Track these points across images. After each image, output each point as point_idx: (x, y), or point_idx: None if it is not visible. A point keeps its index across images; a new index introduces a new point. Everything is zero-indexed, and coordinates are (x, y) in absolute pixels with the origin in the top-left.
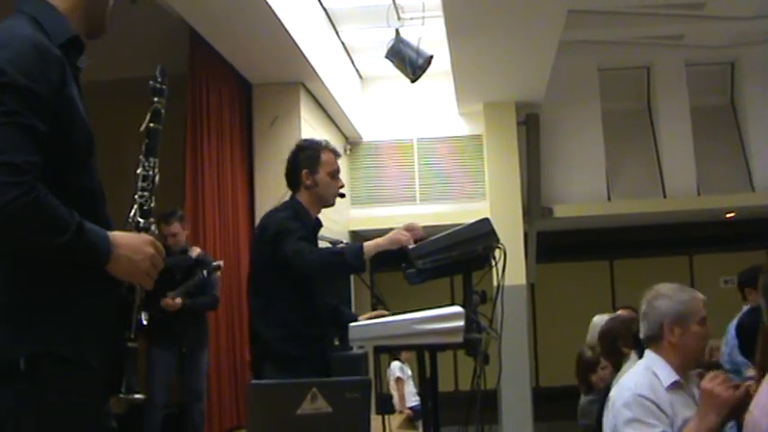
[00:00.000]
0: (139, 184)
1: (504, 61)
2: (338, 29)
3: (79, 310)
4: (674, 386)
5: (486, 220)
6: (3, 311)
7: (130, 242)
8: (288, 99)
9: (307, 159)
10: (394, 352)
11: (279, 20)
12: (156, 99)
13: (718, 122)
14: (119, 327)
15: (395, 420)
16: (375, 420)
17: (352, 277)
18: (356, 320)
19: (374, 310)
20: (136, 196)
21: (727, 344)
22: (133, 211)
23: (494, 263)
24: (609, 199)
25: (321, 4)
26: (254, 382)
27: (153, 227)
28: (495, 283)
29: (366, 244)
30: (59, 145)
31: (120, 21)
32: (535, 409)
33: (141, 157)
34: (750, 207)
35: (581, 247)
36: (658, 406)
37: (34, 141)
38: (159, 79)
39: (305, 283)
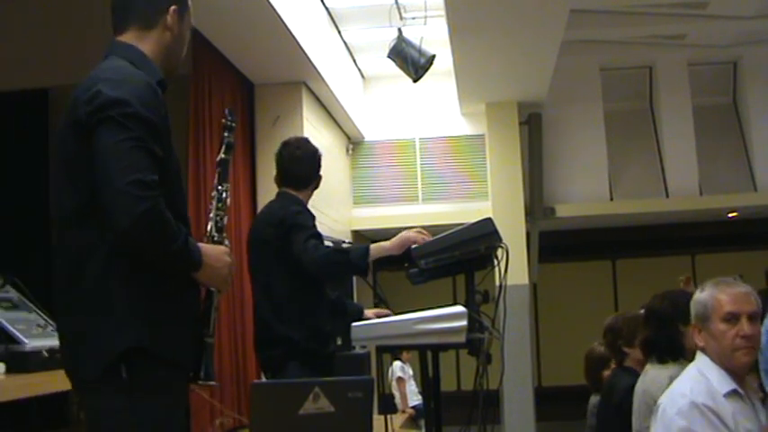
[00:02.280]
0: (214, 204)
1: (506, 61)
2: (340, 28)
3: (176, 311)
4: (732, 394)
5: (489, 219)
6: (107, 308)
7: (213, 252)
8: (290, 99)
9: (318, 164)
10: (395, 352)
11: (281, 20)
12: (226, 134)
13: (721, 122)
14: (201, 325)
15: (397, 420)
16: (377, 420)
17: (354, 276)
18: (362, 312)
19: (377, 308)
20: (211, 215)
21: (763, 348)
22: (209, 227)
23: (496, 262)
24: (611, 199)
25: (323, 3)
26: (255, 381)
27: (226, 240)
28: (497, 283)
29: (372, 246)
30: (165, 170)
31: None
32: (537, 409)
33: (215, 182)
34: (753, 207)
35: (583, 246)
36: (718, 415)
37: (155, 164)
38: (230, 118)
39: (314, 279)
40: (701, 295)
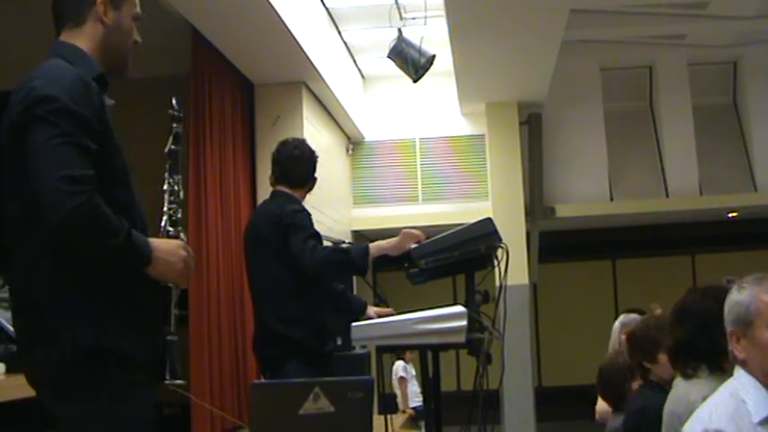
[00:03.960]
0: (167, 197)
1: (506, 61)
2: (340, 28)
3: (132, 308)
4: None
5: (489, 219)
6: (61, 308)
7: (166, 247)
8: (290, 99)
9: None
10: (398, 352)
11: (281, 20)
12: (174, 125)
13: (721, 122)
14: (161, 322)
15: (397, 420)
16: (378, 420)
17: (354, 276)
18: (365, 307)
19: (377, 307)
20: (165, 209)
21: None
22: (163, 221)
23: (496, 262)
24: (611, 199)
25: (323, 3)
26: (255, 381)
27: (182, 234)
28: (497, 283)
29: (372, 246)
30: (103, 165)
31: None
32: (537, 409)
33: (166, 174)
34: (752, 207)
35: (583, 246)
36: None
37: (88, 158)
38: (176, 108)
39: (313, 277)
40: (741, 296)
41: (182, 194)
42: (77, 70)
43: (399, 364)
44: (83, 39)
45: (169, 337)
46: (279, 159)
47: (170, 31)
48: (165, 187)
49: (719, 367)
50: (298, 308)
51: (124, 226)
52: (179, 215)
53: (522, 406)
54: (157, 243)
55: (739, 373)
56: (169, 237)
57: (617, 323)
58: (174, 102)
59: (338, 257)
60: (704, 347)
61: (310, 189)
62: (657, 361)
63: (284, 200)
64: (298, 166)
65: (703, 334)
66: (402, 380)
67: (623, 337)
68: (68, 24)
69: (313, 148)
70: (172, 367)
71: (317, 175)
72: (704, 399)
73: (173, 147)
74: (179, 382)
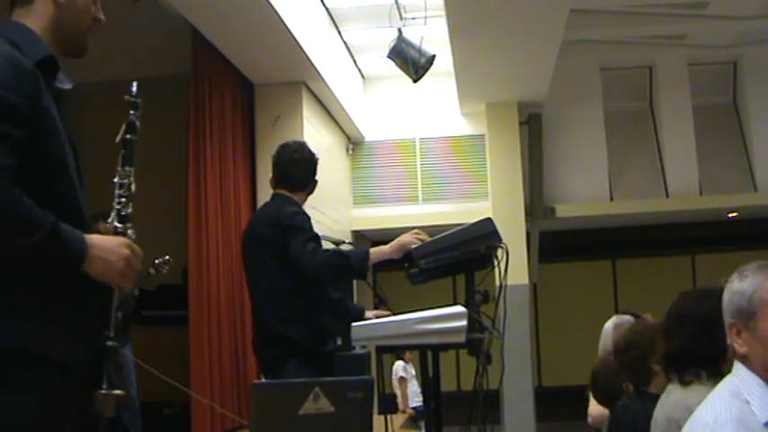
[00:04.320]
0: (117, 191)
1: (506, 61)
2: (340, 28)
3: (59, 308)
4: None
5: (489, 219)
6: None
7: (105, 244)
8: (290, 99)
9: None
10: (398, 352)
11: (281, 20)
12: (131, 112)
13: (721, 122)
14: (100, 326)
15: (397, 420)
16: (377, 420)
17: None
18: (363, 313)
19: (376, 309)
20: (114, 203)
21: None
22: (111, 216)
23: (496, 262)
24: (611, 199)
25: (323, 3)
26: (255, 381)
27: (130, 231)
28: (497, 283)
29: (372, 251)
30: (36, 154)
31: (123, 21)
32: (537, 409)
33: (118, 167)
34: (752, 207)
35: (583, 246)
36: None
37: (8, 147)
38: (135, 94)
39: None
40: (742, 284)
41: (133, 188)
42: (11, 53)
43: (399, 364)
44: (33, 18)
45: (109, 343)
46: (279, 162)
47: (170, 31)
48: (116, 180)
49: (718, 371)
50: (297, 308)
51: (48, 220)
52: (129, 210)
53: (522, 406)
54: (97, 240)
55: (739, 368)
56: (117, 233)
57: (609, 324)
58: (133, 88)
59: (338, 261)
60: (705, 352)
61: (311, 192)
62: (651, 378)
63: (283, 202)
64: (298, 169)
65: (703, 338)
66: (402, 380)
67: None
68: (18, 3)
69: (313, 150)
70: (108, 375)
71: (317, 177)
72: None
73: (127, 136)
74: (117, 392)
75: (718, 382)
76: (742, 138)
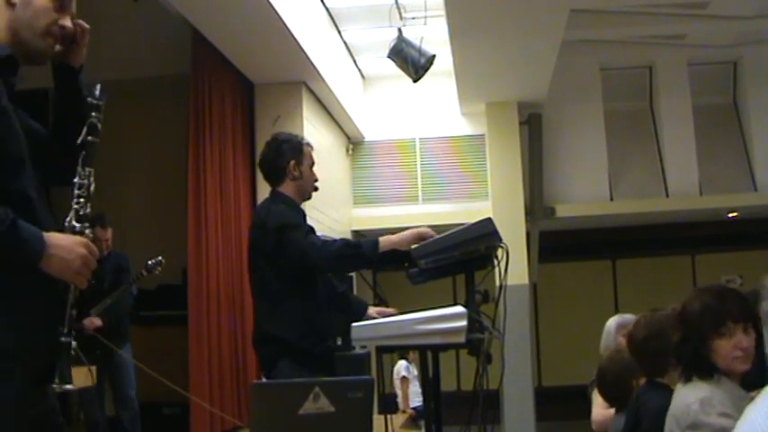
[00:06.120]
0: (75, 191)
1: (506, 61)
2: (340, 28)
3: (8, 300)
4: None
5: (489, 219)
6: None
7: (63, 243)
8: (290, 99)
9: (291, 150)
10: (401, 351)
11: (281, 19)
12: (93, 114)
13: (721, 122)
14: (55, 321)
15: (397, 420)
16: (378, 420)
17: (354, 276)
18: (366, 308)
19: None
20: (72, 202)
21: None
22: (69, 216)
23: (496, 262)
24: (611, 199)
25: (323, 3)
26: (255, 381)
27: (87, 231)
28: (497, 283)
29: (382, 239)
30: None
31: (123, 21)
32: (537, 409)
33: (78, 167)
34: (752, 207)
35: (583, 246)
36: None
37: None
38: (98, 97)
39: (310, 277)
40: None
41: (92, 188)
42: None
43: (402, 363)
44: None
45: (63, 339)
46: (260, 165)
47: (170, 31)
48: (76, 180)
49: (714, 369)
50: (288, 308)
51: (7, 217)
52: (87, 210)
53: (522, 406)
54: (54, 238)
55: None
56: (74, 233)
57: (612, 323)
58: (96, 90)
59: (350, 251)
60: (687, 355)
61: (297, 175)
62: (668, 369)
63: (270, 200)
64: (268, 162)
65: (686, 341)
66: (404, 380)
67: (621, 339)
68: None
69: (300, 138)
70: (61, 372)
71: (316, 173)
72: (700, 400)
73: (88, 138)
74: (67, 387)
75: (715, 378)
76: (742, 138)
